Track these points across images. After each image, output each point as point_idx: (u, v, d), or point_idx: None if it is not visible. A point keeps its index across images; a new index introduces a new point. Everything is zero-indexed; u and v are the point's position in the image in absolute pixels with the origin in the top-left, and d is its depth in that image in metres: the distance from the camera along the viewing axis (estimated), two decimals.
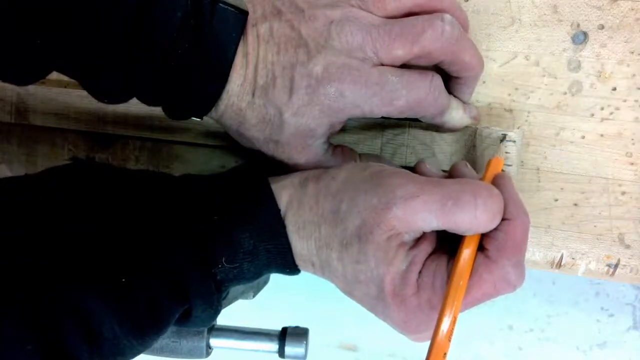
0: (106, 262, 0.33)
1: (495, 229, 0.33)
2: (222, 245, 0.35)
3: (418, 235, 0.34)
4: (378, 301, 0.35)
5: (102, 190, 0.36)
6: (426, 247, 0.35)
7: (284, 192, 0.36)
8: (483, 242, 0.34)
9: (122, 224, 0.34)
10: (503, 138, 0.40)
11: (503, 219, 0.33)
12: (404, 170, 0.36)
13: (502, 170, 0.37)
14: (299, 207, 0.36)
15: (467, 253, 0.33)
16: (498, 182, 0.35)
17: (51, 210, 0.34)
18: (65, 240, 0.33)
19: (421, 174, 0.38)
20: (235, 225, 0.35)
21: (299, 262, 0.36)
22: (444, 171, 0.40)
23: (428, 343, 0.33)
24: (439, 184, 0.33)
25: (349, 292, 0.36)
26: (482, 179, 0.36)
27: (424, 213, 0.33)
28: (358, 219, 0.34)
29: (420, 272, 0.34)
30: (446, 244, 0.35)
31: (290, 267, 0.37)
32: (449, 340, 0.32)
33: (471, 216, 0.32)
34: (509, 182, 0.35)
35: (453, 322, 0.32)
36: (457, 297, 0.32)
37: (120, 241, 0.34)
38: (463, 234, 0.34)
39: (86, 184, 0.36)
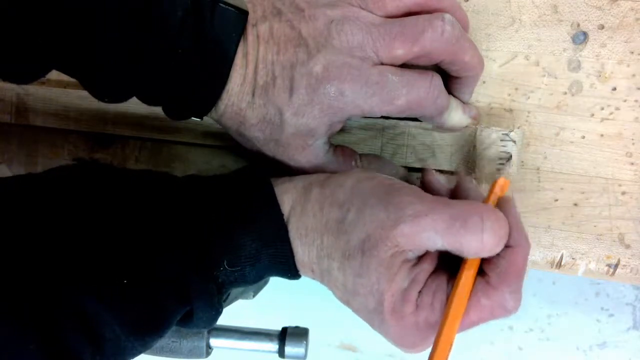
0: (108, 264, 0.33)
1: (498, 255, 0.33)
2: (223, 249, 0.35)
3: (421, 253, 0.34)
4: (375, 314, 0.34)
5: (104, 191, 0.36)
6: (428, 266, 0.35)
7: (287, 196, 0.36)
8: (483, 267, 0.34)
9: (124, 225, 0.34)
10: (509, 158, 0.40)
11: (505, 246, 0.33)
12: (412, 185, 0.36)
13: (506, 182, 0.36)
14: (302, 214, 0.36)
15: (467, 277, 0.33)
16: (502, 205, 0.34)
17: (53, 210, 0.34)
18: (67, 241, 0.33)
19: (428, 183, 0.38)
20: (237, 228, 0.35)
21: (299, 267, 0.36)
22: (449, 172, 0.39)
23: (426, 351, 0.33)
24: (448, 204, 0.33)
25: (346, 302, 0.36)
26: (486, 198, 0.35)
27: (430, 232, 0.32)
28: (363, 232, 0.34)
29: (420, 291, 0.34)
30: (446, 263, 0.35)
31: (291, 272, 0.37)
32: None
33: (478, 239, 0.32)
34: (513, 207, 0.34)
35: (450, 347, 0.32)
36: (455, 323, 0.32)
37: (122, 242, 0.34)
38: (465, 257, 0.33)
39: (89, 184, 0.36)
